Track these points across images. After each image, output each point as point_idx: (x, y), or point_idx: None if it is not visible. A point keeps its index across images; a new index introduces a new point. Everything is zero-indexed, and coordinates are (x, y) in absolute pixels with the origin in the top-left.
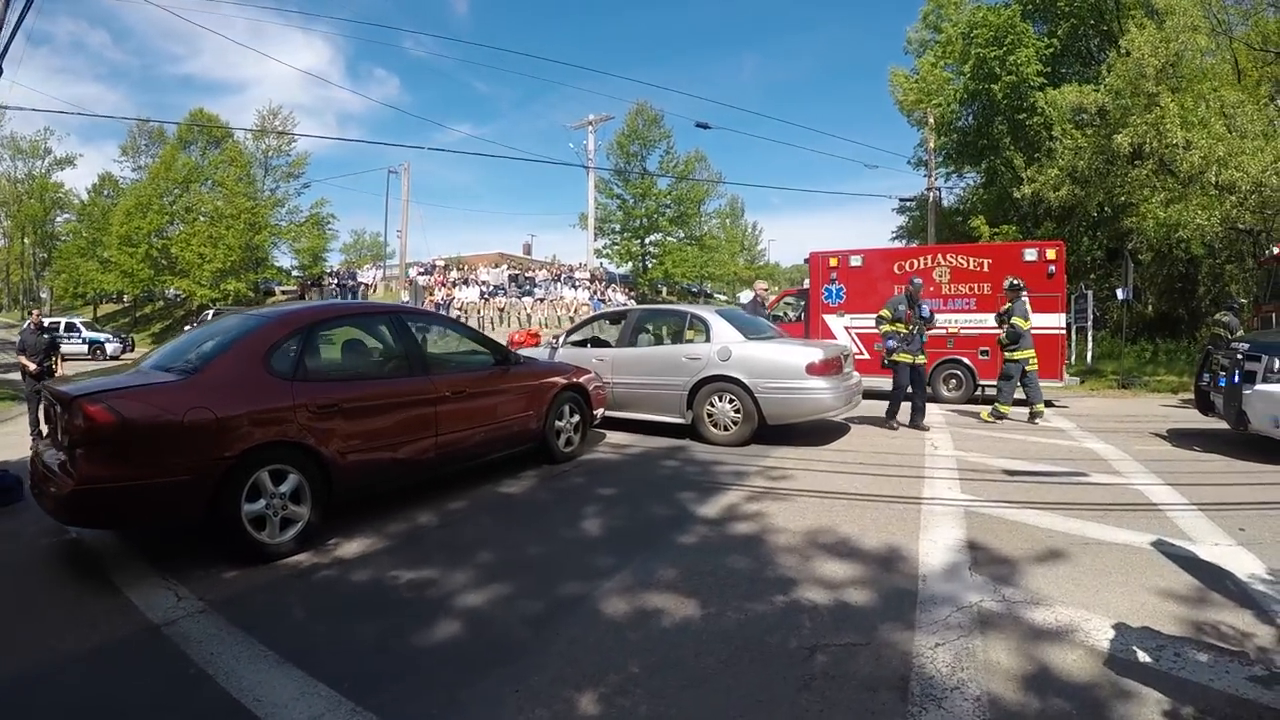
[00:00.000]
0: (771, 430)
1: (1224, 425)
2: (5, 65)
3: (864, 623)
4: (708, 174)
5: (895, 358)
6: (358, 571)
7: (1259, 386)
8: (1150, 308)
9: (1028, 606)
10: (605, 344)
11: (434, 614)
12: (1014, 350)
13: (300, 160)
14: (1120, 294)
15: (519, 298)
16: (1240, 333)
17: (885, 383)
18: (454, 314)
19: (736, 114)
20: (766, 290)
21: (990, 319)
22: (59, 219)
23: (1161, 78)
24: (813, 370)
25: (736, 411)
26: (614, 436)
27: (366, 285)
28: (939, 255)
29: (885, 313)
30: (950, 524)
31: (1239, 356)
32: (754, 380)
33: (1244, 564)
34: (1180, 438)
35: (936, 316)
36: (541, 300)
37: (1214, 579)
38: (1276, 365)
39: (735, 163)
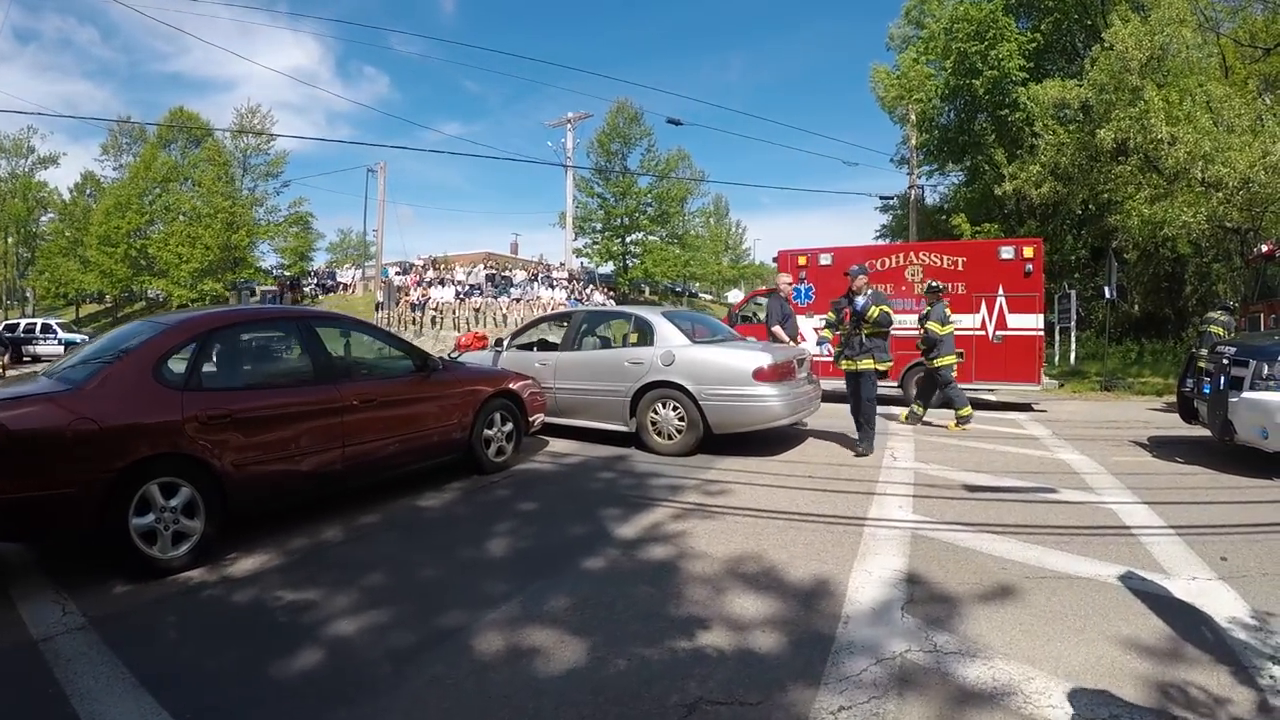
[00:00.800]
0: (722, 438)
1: (1209, 434)
2: None
3: (763, 676)
4: (690, 173)
5: (843, 366)
6: (243, 591)
7: (1246, 394)
8: (1137, 307)
9: (961, 660)
10: (552, 347)
11: (302, 642)
12: (934, 358)
13: (279, 159)
14: (1105, 293)
15: (495, 298)
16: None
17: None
18: (429, 314)
19: (721, 113)
20: (791, 286)
21: (967, 319)
22: (43, 219)
23: (1146, 71)
24: (761, 376)
25: (681, 419)
26: (557, 444)
27: (346, 285)
28: (911, 253)
29: (830, 314)
30: (892, 550)
31: (1224, 361)
32: (698, 386)
33: (1224, 604)
34: (1162, 447)
35: (894, 315)
36: (518, 300)
37: (1188, 624)
38: (1265, 371)
39: (721, 162)
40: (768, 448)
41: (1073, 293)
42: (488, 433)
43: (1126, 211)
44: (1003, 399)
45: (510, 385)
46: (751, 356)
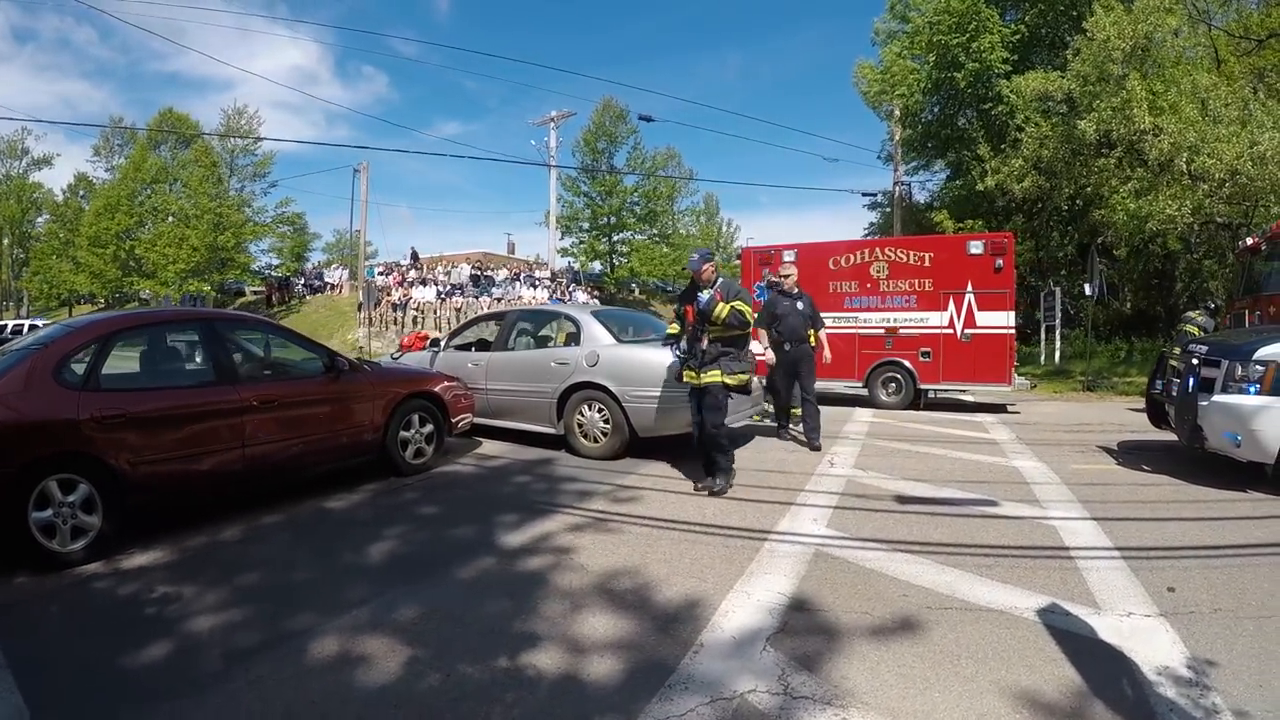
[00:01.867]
0: (653, 442)
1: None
2: None
3: (574, 709)
4: (680, 171)
5: (686, 378)
6: (128, 585)
7: (1216, 398)
8: (1128, 305)
9: (808, 707)
10: (487, 347)
11: (158, 636)
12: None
13: (266, 160)
14: (1088, 290)
15: (477, 297)
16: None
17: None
18: (411, 314)
19: (713, 113)
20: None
21: (934, 317)
22: (38, 220)
23: (1131, 61)
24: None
25: (606, 422)
26: (489, 446)
27: (333, 286)
28: (877, 249)
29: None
30: (785, 570)
31: (1195, 361)
32: (621, 388)
33: (1157, 648)
34: (1130, 454)
35: (750, 313)
36: (500, 299)
37: (1106, 674)
38: (1238, 372)
39: (715, 162)
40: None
41: (1057, 290)
42: (404, 434)
43: (1112, 206)
44: (979, 400)
45: (430, 387)
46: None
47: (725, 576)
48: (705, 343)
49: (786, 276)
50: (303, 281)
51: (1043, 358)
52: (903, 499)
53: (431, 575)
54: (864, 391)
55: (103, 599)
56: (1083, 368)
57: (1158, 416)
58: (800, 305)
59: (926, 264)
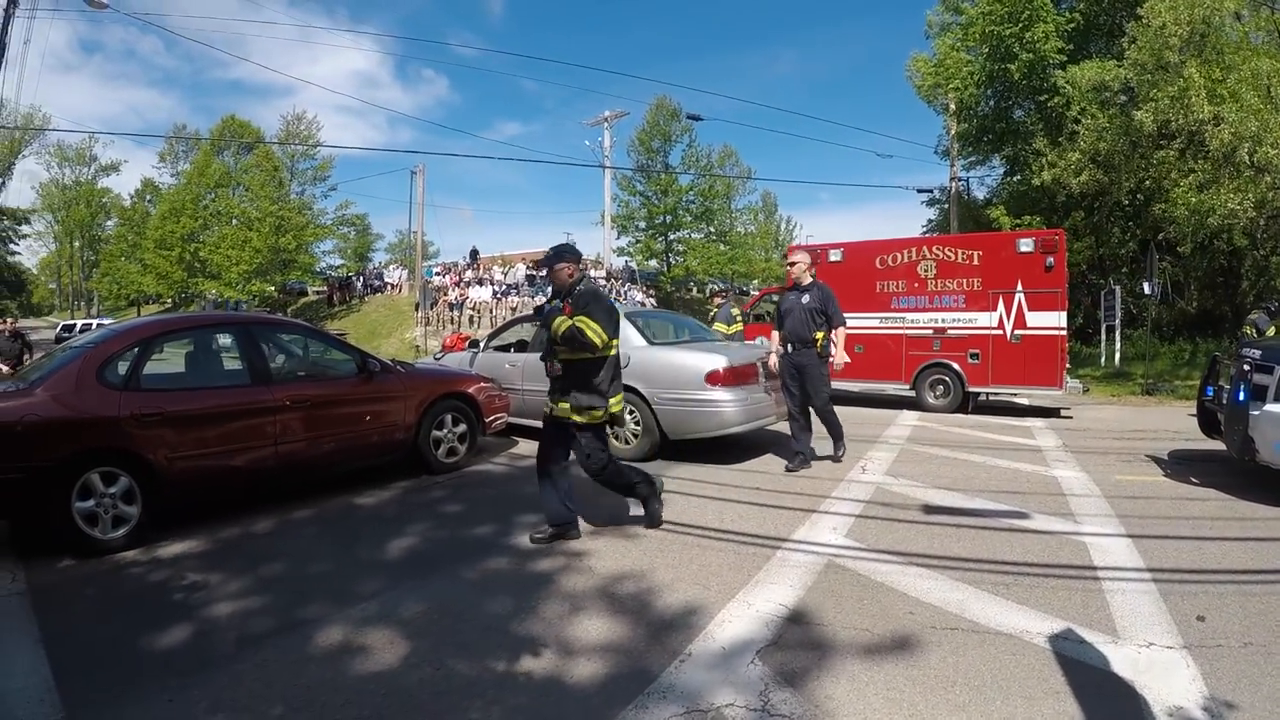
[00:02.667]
0: (687, 444)
1: None
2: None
3: (551, 710)
4: (738, 170)
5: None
6: (160, 571)
7: (1269, 406)
8: (1193, 304)
9: None
10: (525, 348)
11: (179, 619)
12: None
13: (325, 164)
14: (1146, 289)
15: (533, 296)
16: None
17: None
18: (468, 314)
19: (770, 112)
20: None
21: (983, 318)
22: (108, 224)
23: (1188, 47)
24: (714, 380)
25: (637, 424)
26: (525, 446)
27: (393, 285)
28: (924, 248)
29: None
30: (793, 580)
31: (1246, 367)
32: (651, 390)
33: (1175, 685)
34: (1179, 464)
35: (597, 332)
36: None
37: (1111, 712)
38: None
39: (773, 160)
40: (732, 454)
41: (1118, 288)
42: (436, 434)
43: (1173, 200)
44: (1034, 403)
45: (463, 387)
46: (706, 359)
47: (730, 585)
48: (556, 367)
49: (793, 265)
50: (363, 281)
51: (1103, 359)
52: (929, 509)
53: (443, 572)
54: (911, 394)
55: (135, 583)
56: (1144, 370)
57: (1209, 425)
58: (806, 299)
59: (975, 262)
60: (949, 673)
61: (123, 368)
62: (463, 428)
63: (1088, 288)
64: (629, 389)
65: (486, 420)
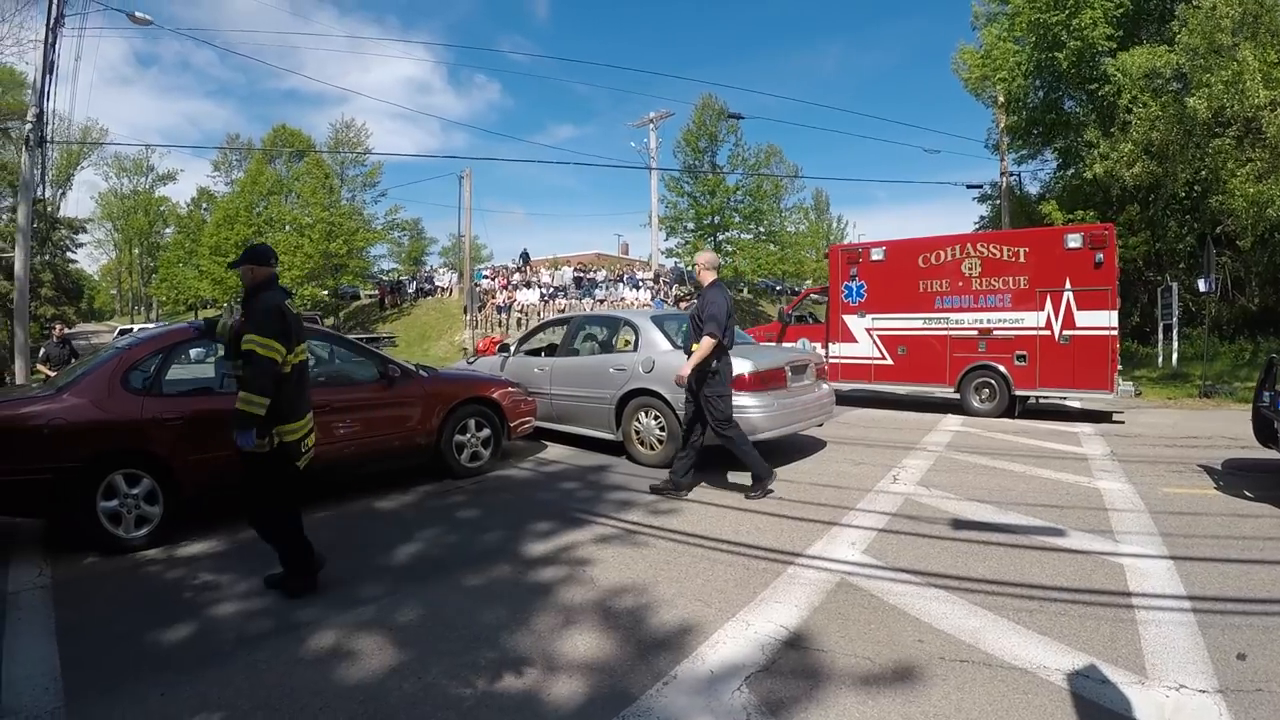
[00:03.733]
0: (713, 448)
1: None
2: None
3: None
4: (784, 168)
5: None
6: (176, 570)
7: None
8: (1255, 301)
9: None
10: (554, 352)
11: (185, 616)
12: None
13: (374, 170)
14: (1202, 286)
15: (580, 299)
16: None
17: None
18: (515, 316)
19: (813, 109)
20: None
21: (1029, 317)
22: (166, 231)
23: (1242, 30)
24: (739, 385)
25: (662, 430)
26: (553, 451)
27: (443, 289)
28: (968, 245)
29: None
30: (799, 599)
31: None
32: (676, 395)
33: None
34: (1233, 476)
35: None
36: (602, 301)
37: None
38: None
39: (821, 157)
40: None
41: (1174, 285)
42: (459, 439)
43: (1230, 191)
44: (1086, 406)
45: (487, 392)
46: (732, 363)
47: (733, 602)
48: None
49: (695, 265)
50: (414, 285)
51: (1160, 359)
52: (958, 523)
53: (445, 579)
54: (956, 397)
55: (151, 581)
56: (1202, 370)
57: (1265, 433)
58: (693, 307)
59: (1021, 260)
60: (949, 712)
61: (146, 374)
62: (486, 432)
63: (1144, 285)
64: (653, 394)
65: (511, 425)
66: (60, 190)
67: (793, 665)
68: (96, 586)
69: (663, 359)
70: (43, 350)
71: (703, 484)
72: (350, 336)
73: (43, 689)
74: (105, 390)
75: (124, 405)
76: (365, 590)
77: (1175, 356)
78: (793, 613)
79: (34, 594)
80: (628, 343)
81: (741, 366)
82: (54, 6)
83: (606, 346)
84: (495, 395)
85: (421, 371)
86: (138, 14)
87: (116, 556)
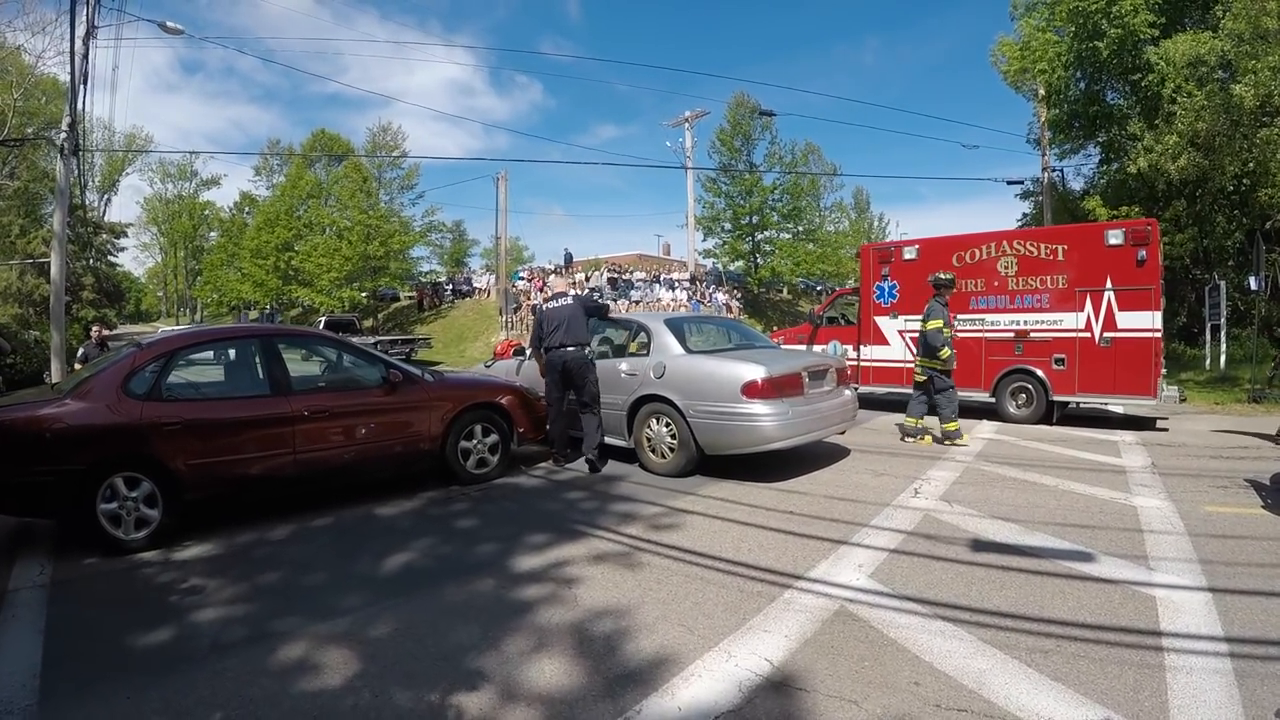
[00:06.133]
0: (730, 459)
1: None
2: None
3: None
4: (821, 166)
5: None
6: (168, 573)
7: None
8: None
9: None
10: None
11: (167, 620)
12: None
13: (411, 173)
14: (1251, 284)
15: (616, 300)
16: None
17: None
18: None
19: (853, 106)
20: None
21: (1068, 319)
22: (210, 235)
23: None
24: (751, 392)
25: (673, 437)
26: None
27: (480, 290)
28: (1004, 243)
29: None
30: (790, 628)
31: None
32: (686, 402)
33: None
34: None
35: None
36: (638, 302)
37: None
38: None
39: (862, 156)
40: (775, 471)
41: (1222, 284)
42: (465, 445)
43: (1278, 184)
44: (1129, 411)
45: (494, 397)
46: (743, 369)
47: (718, 629)
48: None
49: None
50: (452, 287)
51: (1207, 362)
52: (978, 544)
53: (427, 592)
54: (991, 402)
55: (143, 583)
56: (1251, 374)
57: None
58: None
59: (1060, 258)
60: None
61: (147, 379)
62: (494, 438)
63: (1191, 283)
64: (664, 400)
65: (519, 431)
66: (105, 195)
67: (769, 709)
68: (90, 586)
69: (674, 364)
70: (81, 351)
71: (711, 496)
72: (387, 338)
73: (21, 686)
74: (106, 395)
75: (125, 410)
76: (346, 601)
77: (1223, 359)
78: (780, 645)
79: (32, 592)
80: (641, 346)
81: (753, 372)
82: (88, 18)
83: (620, 350)
84: (502, 400)
85: (427, 375)
86: (169, 23)
87: (116, 558)
